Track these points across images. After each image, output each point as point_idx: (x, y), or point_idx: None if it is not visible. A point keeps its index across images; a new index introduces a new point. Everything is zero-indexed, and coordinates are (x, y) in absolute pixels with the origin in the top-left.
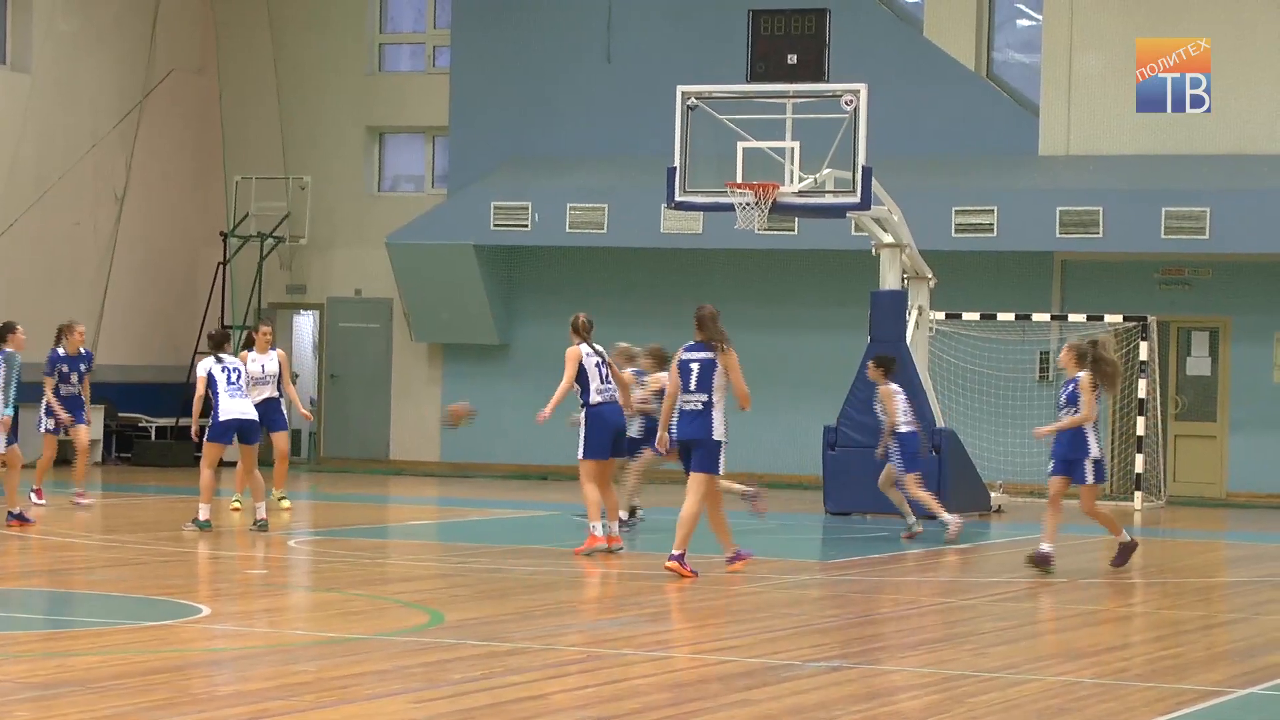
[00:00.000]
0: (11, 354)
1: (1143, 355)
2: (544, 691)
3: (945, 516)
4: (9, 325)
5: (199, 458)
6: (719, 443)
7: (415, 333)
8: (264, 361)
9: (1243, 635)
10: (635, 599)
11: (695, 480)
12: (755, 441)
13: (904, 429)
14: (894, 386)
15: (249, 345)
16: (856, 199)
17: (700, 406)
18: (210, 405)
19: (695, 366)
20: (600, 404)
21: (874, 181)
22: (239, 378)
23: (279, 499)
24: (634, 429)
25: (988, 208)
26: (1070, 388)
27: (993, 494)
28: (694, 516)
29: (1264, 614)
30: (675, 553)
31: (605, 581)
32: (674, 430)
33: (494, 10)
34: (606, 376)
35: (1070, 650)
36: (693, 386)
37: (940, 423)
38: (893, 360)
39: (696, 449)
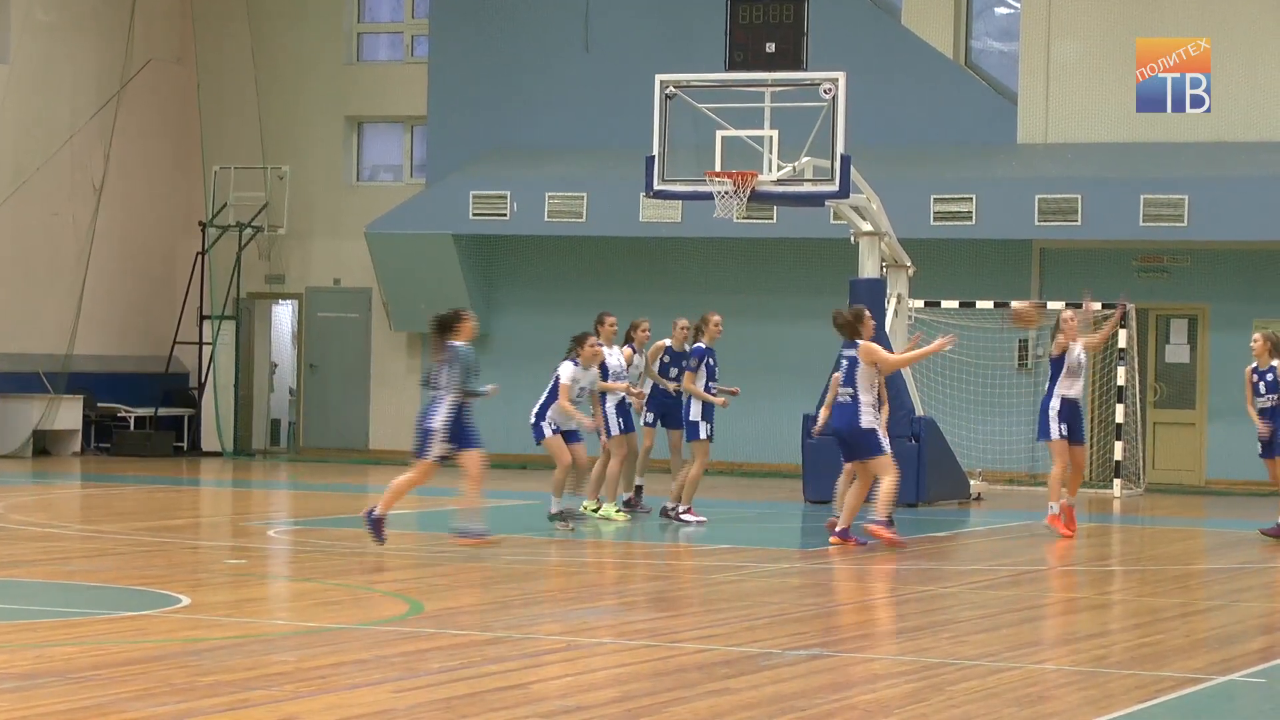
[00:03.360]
0: None
1: (1121, 343)
2: (524, 681)
3: None
4: None
5: (179, 448)
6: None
7: (394, 322)
8: (617, 356)
9: (1221, 622)
10: (614, 588)
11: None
12: (734, 430)
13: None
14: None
15: (627, 340)
16: (835, 187)
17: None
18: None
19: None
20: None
21: (853, 170)
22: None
23: (593, 509)
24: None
25: (966, 196)
26: (1270, 376)
27: (972, 482)
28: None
29: (1243, 601)
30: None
31: (584, 570)
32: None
33: (472, 0)
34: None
35: (1049, 638)
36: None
37: (919, 411)
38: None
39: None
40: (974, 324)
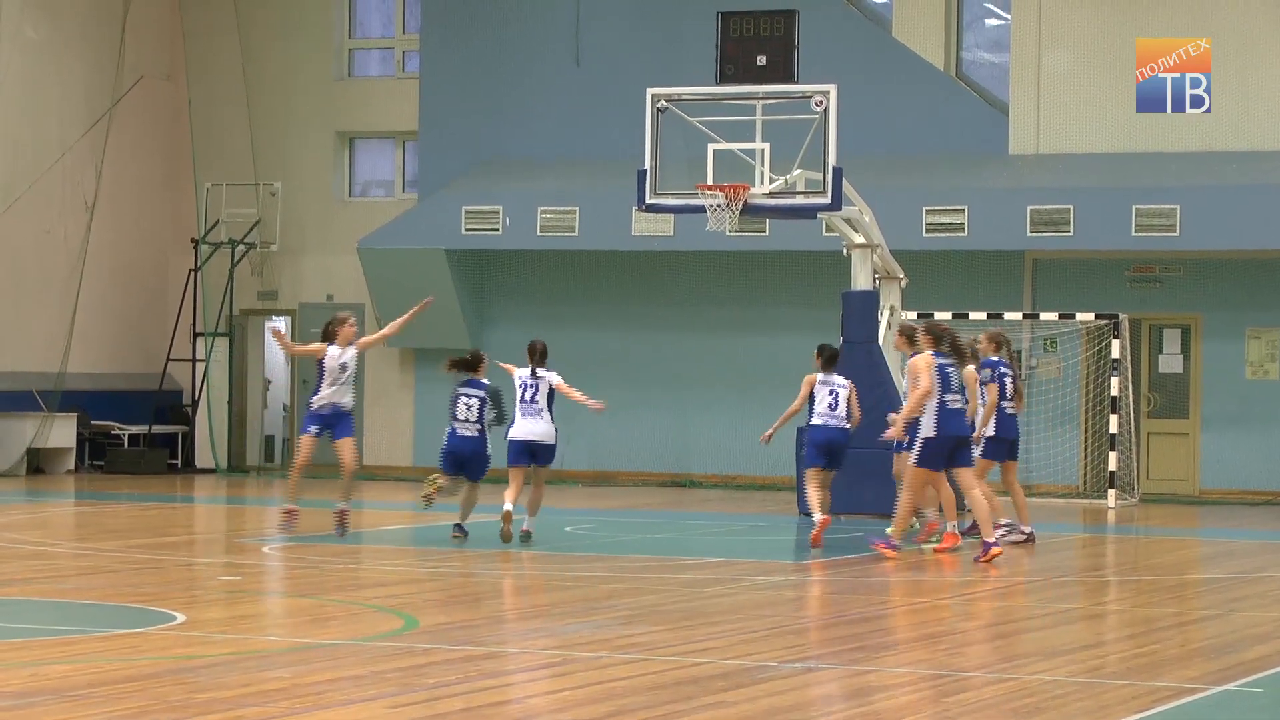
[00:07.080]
0: None
1: (1115, 353)
2: (520, 695)
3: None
4: None
5: (173, 465)
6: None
7: (387, 338)
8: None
9: (1217, 632)
10: (609, 602)
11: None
12: (726, 443)
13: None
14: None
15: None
16: (827, 200)
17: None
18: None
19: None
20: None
21: (844, 182)
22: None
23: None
24: None
25: (958, 207)
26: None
27: None
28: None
29: (1238, 610)
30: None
31: (577, 585)
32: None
33: (462, 14)
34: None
35: (1045, 649)
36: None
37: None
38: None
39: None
40: (967, 334)
